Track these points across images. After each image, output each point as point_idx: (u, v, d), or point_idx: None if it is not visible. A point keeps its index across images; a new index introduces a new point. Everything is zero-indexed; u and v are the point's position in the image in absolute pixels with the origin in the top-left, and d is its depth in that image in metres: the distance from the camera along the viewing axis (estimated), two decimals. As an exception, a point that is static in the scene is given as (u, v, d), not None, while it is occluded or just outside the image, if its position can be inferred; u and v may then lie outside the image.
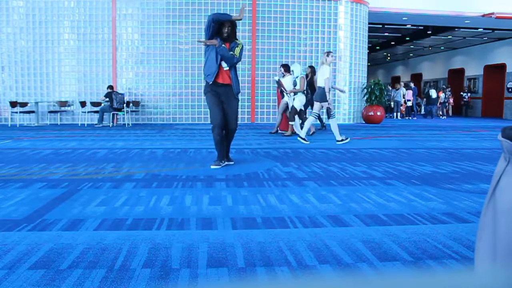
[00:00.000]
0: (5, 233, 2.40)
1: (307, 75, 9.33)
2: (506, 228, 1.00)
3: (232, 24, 4.65)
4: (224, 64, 4.63)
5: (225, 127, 4.72)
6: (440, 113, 18.82)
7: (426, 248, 2.20)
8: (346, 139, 7.29)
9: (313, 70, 9.47)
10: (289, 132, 8.57)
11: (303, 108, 8.51)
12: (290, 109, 8.50)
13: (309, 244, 2.23)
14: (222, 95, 4.67)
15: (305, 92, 8.47)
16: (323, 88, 7.06)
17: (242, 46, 4.74)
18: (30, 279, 1.79)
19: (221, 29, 4.60)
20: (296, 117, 8.46)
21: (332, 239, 2.32)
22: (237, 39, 4.76)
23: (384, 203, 3.14)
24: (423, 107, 19.12)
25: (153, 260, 2.00)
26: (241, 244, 2.22)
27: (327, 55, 7.10)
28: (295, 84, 8.57)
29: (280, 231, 2.46)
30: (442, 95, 18.93)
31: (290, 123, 8.54)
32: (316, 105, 7.30)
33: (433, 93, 17.81)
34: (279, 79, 8.71)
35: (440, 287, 0.43)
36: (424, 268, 1.96)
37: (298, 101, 8.31)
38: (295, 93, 8.36)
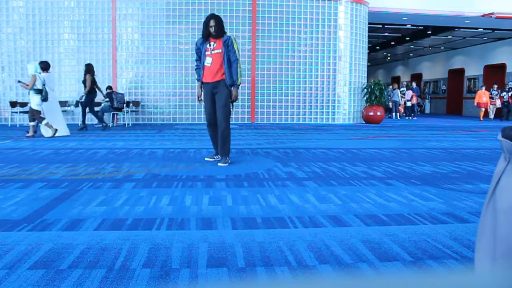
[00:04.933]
0: (5, 233, 2.40)
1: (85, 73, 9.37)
2: (506, 228, 1.00)
3: (216, 20, 4.76)
4: (207, 61, 4.79)
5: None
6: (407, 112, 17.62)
7: (426, 248, 2.20)
8: None
9: (89, 69, 9.44)
10: (31, 133, 8.01)
11: (39, 109, 7.97)
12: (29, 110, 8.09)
13: (309, 244, 2.23)
14: (214, 92, 4.85)
15: (43, 92, 7.87)
16: None
17: (234, 39, 4.88)
18: (30, 279, 1.79)
19: (208, 28, 4.75)
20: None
21: (332, 239, 2.32)
22: (225, 33, 4.88)
23: (384, 203, 3.14)
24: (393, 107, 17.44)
25: (153, 260, 2.00)
26: (241, 244, 2.22)
27: None
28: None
29: (280, 231, 2.46)
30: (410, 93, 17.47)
31: (30, 123, 8.08)
32: None
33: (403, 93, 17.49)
34: (19, 80, 8.57)
35: (440, 287, 0.43)
36: (424, 268, 1.96)
37: (33, 101, 7.88)
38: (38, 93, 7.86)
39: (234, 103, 4.95)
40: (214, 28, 4.73)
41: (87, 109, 9.93)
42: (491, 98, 16.85)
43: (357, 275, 0.87)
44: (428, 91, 24.88)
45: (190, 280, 1.80)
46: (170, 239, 2.30)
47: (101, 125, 10.11)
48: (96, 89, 9.89)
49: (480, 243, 1.10)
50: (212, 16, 4.80)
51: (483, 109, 16.77)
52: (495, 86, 17.14)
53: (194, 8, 12.74)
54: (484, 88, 16.81)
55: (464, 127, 12.56)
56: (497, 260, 1.02)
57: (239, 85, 4.86)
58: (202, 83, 4.88)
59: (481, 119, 16.81)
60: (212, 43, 4.78)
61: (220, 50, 4.75)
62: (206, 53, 4.80)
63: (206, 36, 4.78)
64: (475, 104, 16.93)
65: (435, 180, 4.09)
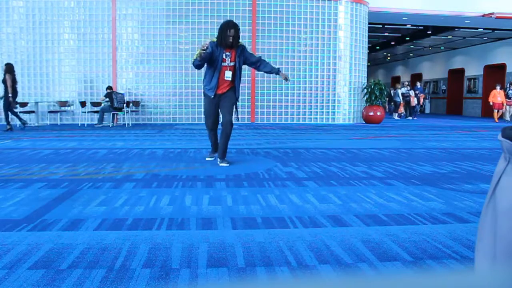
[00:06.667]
0: (5, 233, 2.40)
1: (5, 73, 9.30)
2: (506, 228, 1.00)
3: (236, 30, 4.59)
4: (227, 75, 4.70)
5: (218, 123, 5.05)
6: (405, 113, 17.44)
7: (426, 248, 2.20)
8: None
9: (8, 69, 9.40)
10: None
11: None
12: None
13: (309, 244, 2.23)
14: (221, 98, 4.82)
15: None
16: None
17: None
18: (30, 279, 1.79)
19: (226, 37, 4.55)
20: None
21: (332, 239, 2.32)
22: (239, 42, 4.77)
23: (384, 203, 3.14)
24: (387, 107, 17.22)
25: (153, 260, 2.00)
26: (241, 244, 2.22)
27: None
28: None
29: (280, 231, 2.46)
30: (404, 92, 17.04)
31: None
32: None
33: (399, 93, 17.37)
34: None
35: (440, 287, 0.43)
36: (424, 268, 1.96)
37: None
38: None
39: (238, 110, 5.03)
40: (232, 39, 4.56)
41: (4, 109, 9.87)
42: (508, 98, 15.69)
43: (357, 275, 0.87)
44: (428, 91, 24.87)
45: (190, 280, 1.80)
46: (170, 239, 2.30)
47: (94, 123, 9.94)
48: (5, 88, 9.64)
49: (480, 243, 1.10)
50: (233, 25, 4.57)
51: (497, 110, 15.67)
52: None
53: (194, 8, 12.74)
54: (499, 87, 15.64)
55: (464, 127, 12.56)
56: (497, 260, 1.02)
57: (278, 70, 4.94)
58: (208, 96, 4.81)
59: (496, 120, 15.73)
60: (227, 54, 4.66)
61: (234, 63, 4.71)
62: (223, 64, 4.65)
63: (222, 44, 4.58)
64: (490, 103, 15.79)
65: (435, 180, 4.09)
